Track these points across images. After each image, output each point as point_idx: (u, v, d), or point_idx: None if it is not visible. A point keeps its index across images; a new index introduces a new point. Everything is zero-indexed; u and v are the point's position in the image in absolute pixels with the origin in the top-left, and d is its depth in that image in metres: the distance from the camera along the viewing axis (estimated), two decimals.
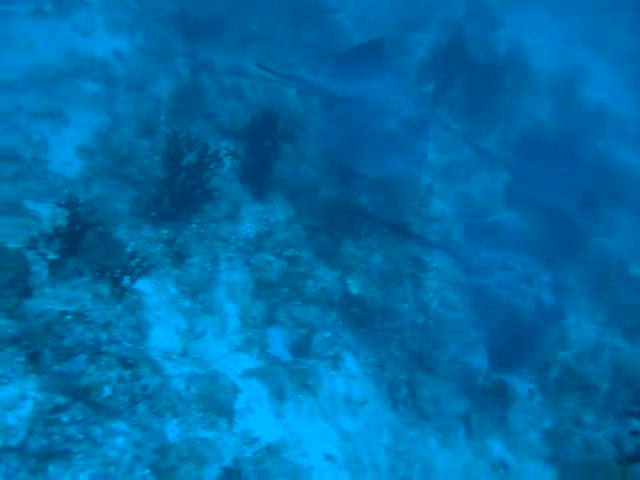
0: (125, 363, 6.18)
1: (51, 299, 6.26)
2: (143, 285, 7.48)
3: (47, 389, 5.62)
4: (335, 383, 8.30)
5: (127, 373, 6.15)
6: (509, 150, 13.34)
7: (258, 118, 9.63)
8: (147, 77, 11.07)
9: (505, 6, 18.96)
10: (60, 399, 5.62)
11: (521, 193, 12.12)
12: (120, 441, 5.76)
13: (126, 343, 6.39)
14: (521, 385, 9.89)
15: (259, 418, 7.16)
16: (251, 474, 6.33)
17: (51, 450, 5.31)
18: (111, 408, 5.87)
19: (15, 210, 7.64)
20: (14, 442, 5.22)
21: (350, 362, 8.72)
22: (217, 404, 6.78)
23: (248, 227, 9.15)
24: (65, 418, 5.54)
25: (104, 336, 6.20)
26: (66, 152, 9.35)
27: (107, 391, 5.91)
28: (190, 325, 7.66)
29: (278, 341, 8.23)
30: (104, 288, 6.74)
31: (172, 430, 6.30)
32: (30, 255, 6.56)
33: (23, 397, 5.50)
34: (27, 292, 6.25)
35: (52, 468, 5.25)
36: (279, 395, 7.56)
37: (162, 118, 10.29)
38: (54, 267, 6.63)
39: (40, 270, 6.57)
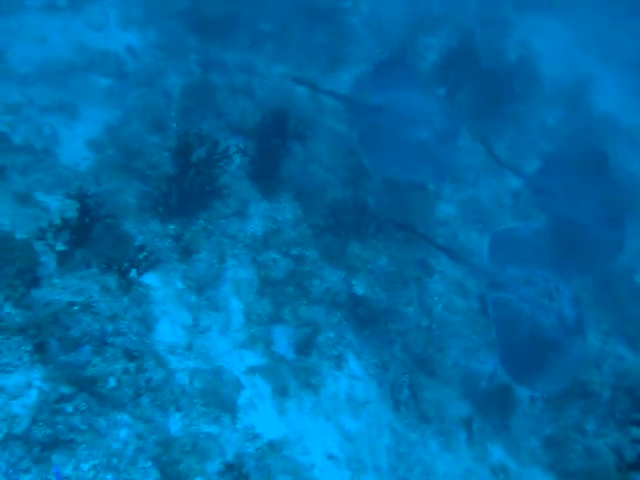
0: (130, 355, 6.20)
1: (59, 289, 6.30)
2: (150, 279, 7.51)
3: (52, 379, 5.64)
4: (338, 383, 8.31)
5: (132, 365, 6.17)
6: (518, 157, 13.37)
7: (268, 117, 9.66)
8: (159, 73, 11.16)
9: (517, 11, 18.95)
10: (65, 389, 5.64)
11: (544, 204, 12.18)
12: (123, 433, 5.77)
13: (132, 336, 6.42)
14: (523, 391, 9.87)
15: (262, 415, 7.17)
16: (253, 470, 6.33)
17: (55, 439, 5.33)
18: (115, 400, 5.89)
19: (24, 201, 7.70)
20: (18, 430, 5.24)
21: (353, 362, 8.73)
22: (220, 399, 6.80)
23: (256, 225, 9.18)
24: (69, 408, 5.56)
25: (110, 328, 6.22)
26: (77, 145, 9.42)
27: (112, 383, 5.93)
28: (195, 320, 7.69)
29: (282, 339, 8.25)
30: (111, 280, 6.77)
31: (175, 424, 6.32)
32: (38, 246, 6.59)
33: (28, 386, 5.52)
34: (35, 282, 6.29)
35: (55, 457, 5.27)
36: (282, 393, 7.58)
37: (172, 114, 10.37)
38: (62, 258, 6.67)
39: (48, 261, 6.61)
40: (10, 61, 10.39)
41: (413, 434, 8.59)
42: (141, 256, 7.16)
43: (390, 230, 10.15)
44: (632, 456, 8.42)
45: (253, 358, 7.80)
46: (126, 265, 6.96)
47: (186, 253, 8.27)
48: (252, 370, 7.58)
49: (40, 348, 5.77)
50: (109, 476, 5.45)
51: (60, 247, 6.74)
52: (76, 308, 6.12)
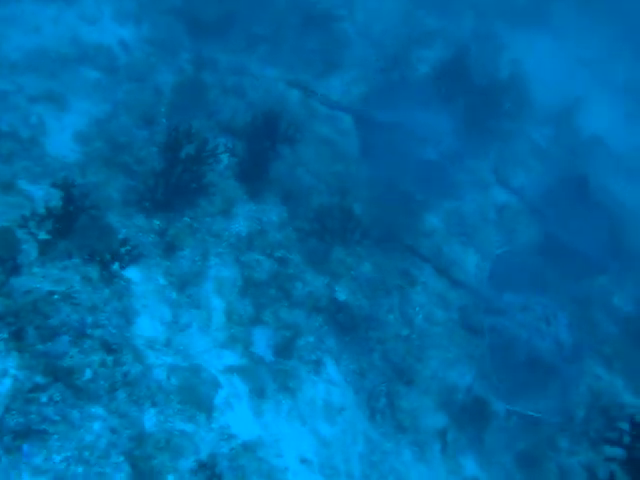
0: (109, 348, 6.13)
1: (39, 278, 6.22)
2: (132, 273, 7.44)
3: (28, 367, 5.56)
4: (316, 388, 8.26)
5: (110, 358, 6.11)
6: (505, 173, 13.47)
7: (259, 118, 9.65)
8: (150, 69, 11.09)
9: (511, 28, 19.06)
10: (40, 379, 5.57)
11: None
12: (97, 426, 5.70)
13: (111, 328, 6.35)
14: (499, 405, 9.89)
15: (238, 415, 7.12)
16: (226, 470, 6.28)
17: (27, 429, 5.25)
18: (91, 392, 5.81)
19: (8, 189, 7.60)
20: None
21: (332, 368, 8.69)
22: (197, 397, 6.74)
23: (241, 225, 9.14)
24: (44, 398, 5.49)
25: (90, 319, 6.15)
26: (64, 136, 9.33)
27: (88, 374, 5.86)
28: (176, 317, 7.62)
29: (262, 341, 8.20)
30: (93, 271, 6.69)
31: (150, 419, 6.24)
32: (20, 234, 6.51)
33: (3, 374, 5.44)
34: (15, 270, 6.20)
35: (27, 447, 5.19)
36: (259, 394, 7.53)
37: (162, 110, 10.30)
38: (44, 247, 6.59)
39: (30, 249, 6.53)
40: (0, 48, 10.28)
41: (388, 443, 8.56)
42: (124, 249, 7.10)
43: (375, 237, 10.15)
44: (605, 475, 8.47)
45: (232, 358, 7.74)
46: (109, 257, 6.90)
47: (170, 249, 8.21)
48: (230, 370, 7.53)
49: (17, 336, 5.69)
50: (80, 469, 5.38)
51: (43, 236, 6.67)
52: (56, 297, 6.05)
